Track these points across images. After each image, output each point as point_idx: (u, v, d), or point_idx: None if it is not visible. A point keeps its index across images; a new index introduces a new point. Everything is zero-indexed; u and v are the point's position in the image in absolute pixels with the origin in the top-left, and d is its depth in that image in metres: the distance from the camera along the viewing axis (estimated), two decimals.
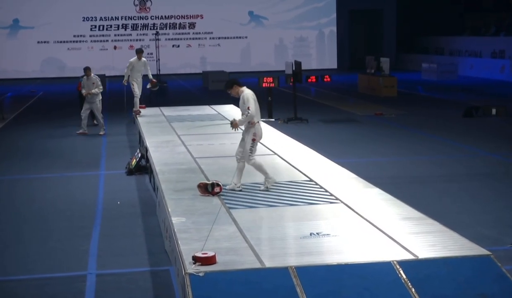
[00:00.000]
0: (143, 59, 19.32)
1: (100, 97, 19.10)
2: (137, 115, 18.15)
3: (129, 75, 18.99)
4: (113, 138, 18.71)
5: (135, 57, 19.16)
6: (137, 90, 18.94)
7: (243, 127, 9.89)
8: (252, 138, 9.77)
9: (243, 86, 9.99)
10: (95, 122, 20.18)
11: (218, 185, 9.56)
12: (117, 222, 10.45)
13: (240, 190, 9.77)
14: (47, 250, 9.22)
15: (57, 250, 9.19)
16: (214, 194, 9.46)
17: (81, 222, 10.50)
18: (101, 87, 19.19)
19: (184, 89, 32.90)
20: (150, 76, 19.39)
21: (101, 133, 19.01)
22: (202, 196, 9.47)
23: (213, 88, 29.83)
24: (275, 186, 9.99)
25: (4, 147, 17.63)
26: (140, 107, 20.03)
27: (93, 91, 18.68)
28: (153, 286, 7.78)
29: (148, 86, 19.28)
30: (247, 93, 9.75)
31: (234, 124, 9.81)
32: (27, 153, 16.63)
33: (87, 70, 19.25)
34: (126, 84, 19.27)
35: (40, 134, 19.52)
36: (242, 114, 9.66)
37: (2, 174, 14.39)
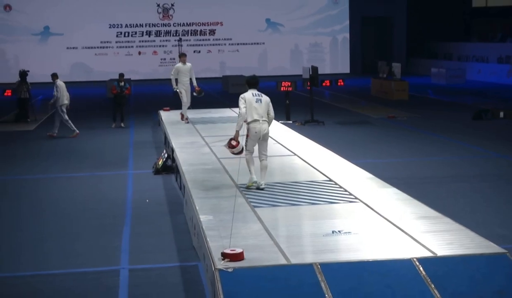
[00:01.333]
0: (188, 63, 17.58)
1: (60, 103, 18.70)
2: (186, 122, 17.14)
3: (176, 80, 17.19)
4: (139, 139, 18.64)
5: (180, 63, 17.54)
6: (185, 99, 17.32)
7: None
8: (246, 135, 9.76)
9: (248, 90, 9.96)
10: (122, 125, 20.26)
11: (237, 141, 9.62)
12: (146, 220, 10.42)
13: (263, 188, 9.78)
14: (81, 246, 9.23)
15: (90, 246, 9.20)
16: (230, 146, 9.63)
17: (112, 219, 10.51)
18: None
19: (205, 92, 32.86)
20: (195, 83, 17.41)
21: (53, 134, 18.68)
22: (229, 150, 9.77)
23: (233, 91, 29.78)
24: (296, 185, 10.01)
25: (37, 147, 17.59)
26: (164, 110, 20.04)
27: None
28: (182, 281, 7.76)
29: (194, 93, 17.65)
30: (240, 96, 9.86)
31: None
32: (59, 153, 16.62)
33: (54, 75, 19.25)
34: (176, 90, 17.32)
35: (70, 135, 19.33)
36: None
37: (38, 173, 14.34)
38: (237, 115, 18.13)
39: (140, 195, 12.03)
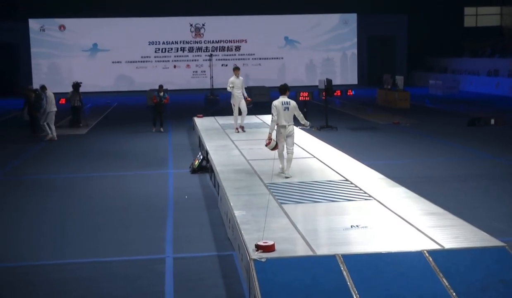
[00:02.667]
0: (241, 77, 16.22)
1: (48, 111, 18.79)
2: (237, 131, 16.07)
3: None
4: (177, 142, 18.58)
5: (233, 76, 16.11)
6: (236, 112, 16.15)
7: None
8: (275, 137, 10.60)
9: (280, 96, 10.71)
10: (161, 129, 20.31)
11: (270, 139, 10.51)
12: (186, 214, 10.36)
13: (288, 177, 10.44)
14: (131, 236, 9.22)
15: (139, 237, 9.17)
16: (267, 144, 10.59)
17: (157, 213, 10.46)
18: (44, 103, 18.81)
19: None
20: (245, 95, 16.19)
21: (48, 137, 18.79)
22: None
23: (256, 100, 29.60)
24: (315, 184, 9.92)
25: (89, 149, 17.65)
26: (198, 116, 20.03)
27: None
28: (220, 269, 7.71)
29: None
30: (273, 104, 10.57)
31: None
32: (108, 155, 16.63)
33: (43, 87, 19.32)
34: (235, 105, 16.13)
35: (117, 138, 19.56)
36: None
37: (91, 171, 14.37)
38: (261, 121, 18.40)
39: (180, 191, 11.97)
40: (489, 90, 33.65)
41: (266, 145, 10.65)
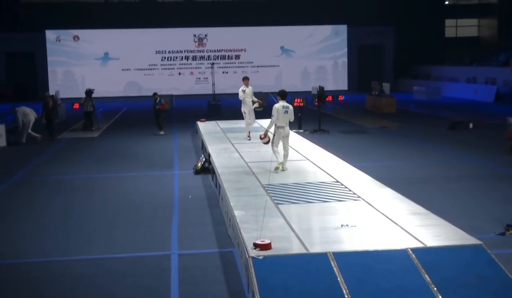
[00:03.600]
0: (250, 86, 15.53)
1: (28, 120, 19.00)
2: (248, 139, 15.31)
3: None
4: (181, 144, 18.53)
5: (243, 85, 15.39)
6: (248, 119, 15.54)
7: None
8: (273, 134, 11.09)
9: (279, 101, 11.11)
10: (161, 132, 20.32)
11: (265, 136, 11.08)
12: (190, 213, 10.31)
13: (285, 170, 10.98)
14: (140, 234, 9.19)
15: (147, 234, 9.15)
16: (261, 138, 11.14)
17: (163, 212, 10.42)
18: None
19: (232, 105, 32.71)
20: (255, 99, 15.55)
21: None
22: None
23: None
24: (309, 186, 9.86)
25: (101, 151, 17.62)
26: (201, 121, 19.94)
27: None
28: (221, 264, 7.69)
29: (256, 105, 15.65)
30: (274, 106, 11.00)
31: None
32: (118, 156, 16.60)
33: (12, 108, 19.40)
34: (245, 112, 15.53)
35: (126, 141, 19.51)
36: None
37: (102, 172, 14.39)
38: (259, 125, 18.39)
39: (185, 191, 11.92)
40: (468, 96, 33.71)
41: (260, 138, 11.23)
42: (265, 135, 11.05)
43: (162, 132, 20.46)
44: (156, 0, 42.58)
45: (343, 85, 41.85)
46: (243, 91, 15.41)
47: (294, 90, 39.56)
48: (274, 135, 11.09)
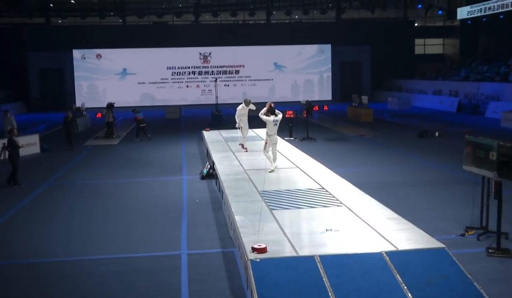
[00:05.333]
0: (251, 106, 14.99)
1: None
2: (245, 150, 14.80)
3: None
4: (189, 151, 18.38)
5: (243, 104, 14.95)
6: (245, 133, 15.16)
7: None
8: (265, 142, 11.62)
9: (270, 115, 11.44)
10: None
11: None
12: (197, 215, 10.28)
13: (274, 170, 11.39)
14: (155, 234, 9.16)
15: (161, 235, 9.12)
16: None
17: (174, 214, 10.40)
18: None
19: (232, 115, 32.85)
20: (254, 108, 15.03)
21: None
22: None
23: (252, 114, 29.47)
24: (298, 192, 9.82)
25: (119, 158, 17.40)
26: (206, 130, 19.89)
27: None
28: (224, 263, 7.68)
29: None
30: (267, 118, 11.41)
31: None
32: (135, 162, 16.45)
33: (5, 111, 18.34)
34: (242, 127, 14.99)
35: (142, 148, 19.34)
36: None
37: (119, 178, 14.25)
38: (255, 134, 18.34)
39: (192, 195, 11.91)
40: (434, 106, 33.77)
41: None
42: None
43: (138, 139, 20.40)
44: (167, 23, 42.58)
45: (327, 96, 41.87)
46: (239, 112, 15.14)
47: (285, 100, 39.76)
48: (266, 142, 11.52)
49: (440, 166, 14.62)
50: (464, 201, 10.22)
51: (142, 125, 21.09)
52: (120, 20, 41.87)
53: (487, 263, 7.34)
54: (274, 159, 11.62)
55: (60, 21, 42.29)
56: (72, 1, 42.61)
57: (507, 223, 8.74)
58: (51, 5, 41.61)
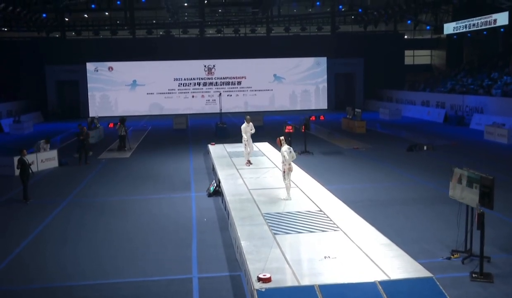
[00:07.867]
0: (250, 123, 15.22)
1: None
2: (248, 165, 15.18)
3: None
4: (196, 165, 18.05)
5: (245, 123, 15.17)
6: (248, 149, 15.33)
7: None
8: (283, 171, 11.24)
9: (285, 145, 11.25)
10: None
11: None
12: (205, 235, 10.04)
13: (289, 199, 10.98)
14: (168, 256, 8.90)
15: (173, 256, 8.88)
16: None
17: (183, 234, 10.15)
18: None
19: (234, 123, 32.44)
20: (253, 131, 15.51)
21: None
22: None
23: (254, 123, 29.62)
24: (298, 215, 9.84)
25: (132, 173, 17.01)
26: (211, 144, 19.88)
27: None
28: (231, 287, 7.59)
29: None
30: (284, 151, 11.12)
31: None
32: (144, 177, 16.00)
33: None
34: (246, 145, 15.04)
35: (152, 161, 19.03)
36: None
37: (132, 194, 13.88)
38: (257, 149, 18.32)
39: (201, 213, 11.63)
40: (422, 116, 33.87)
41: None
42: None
43: (90, 153, 19.37)
44: (174, 36, 42.72)
45: (323, 105, 42.02)
46: (244, 129, 15.37)
47: (284, 109, 40.01)
48: (284, 171, 11.14)
49: (428, 183, 14.33)
50: (450, 221, 10.05)
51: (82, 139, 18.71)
52: (130, 35, 42.00)
53: (470, 288, 7.45)
54: (289, 188, 11.24)
55: (74, 34, 42.41)
56: (86, 16, 42.77)
57: (489, 246, 8.85)
58: (66, 20, 41.80)
